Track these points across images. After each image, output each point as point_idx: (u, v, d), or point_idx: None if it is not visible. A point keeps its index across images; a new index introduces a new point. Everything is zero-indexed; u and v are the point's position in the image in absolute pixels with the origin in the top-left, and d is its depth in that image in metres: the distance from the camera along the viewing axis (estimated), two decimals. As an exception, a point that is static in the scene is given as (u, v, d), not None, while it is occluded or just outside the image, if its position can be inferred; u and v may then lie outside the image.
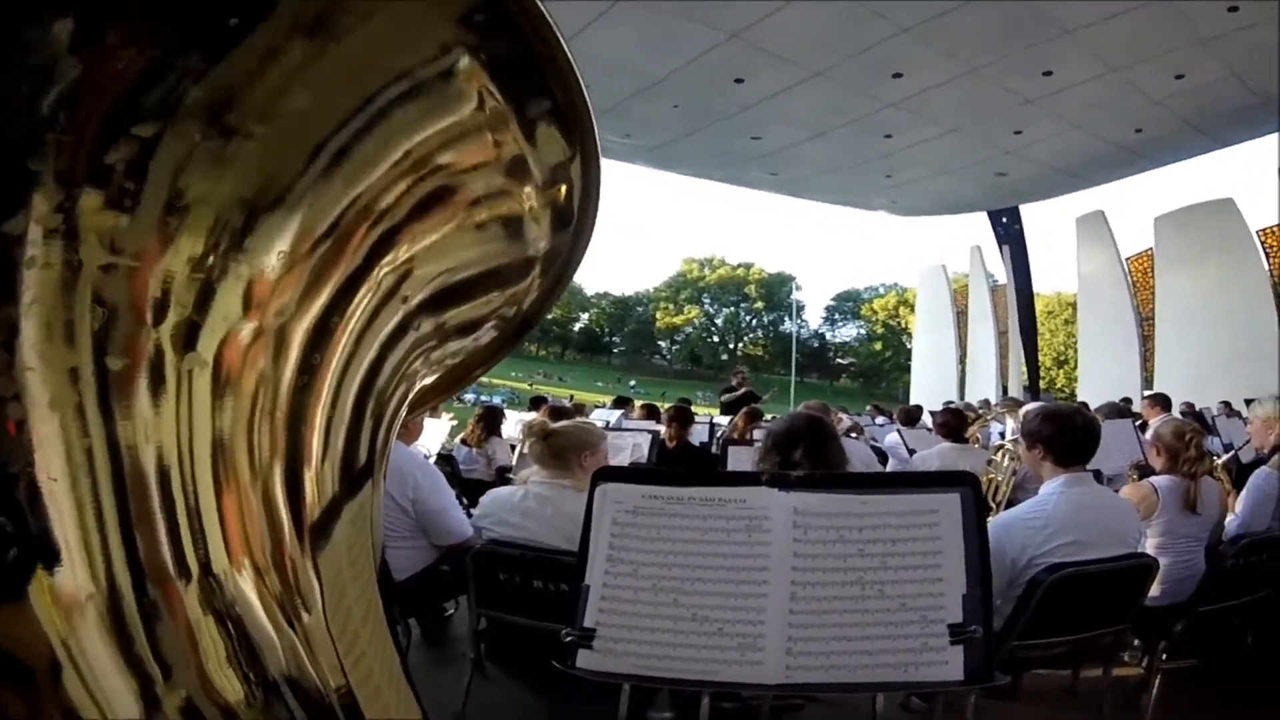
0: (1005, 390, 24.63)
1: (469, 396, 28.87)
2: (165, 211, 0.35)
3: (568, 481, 3.01)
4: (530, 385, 64.52)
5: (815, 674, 1.57)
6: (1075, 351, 30.71)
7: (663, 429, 7.30)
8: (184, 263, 0.35)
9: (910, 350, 40.11)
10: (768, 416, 7.27)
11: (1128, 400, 13.40)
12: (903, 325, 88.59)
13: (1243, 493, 4.03)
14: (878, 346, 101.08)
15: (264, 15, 0.35)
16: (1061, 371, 58.60)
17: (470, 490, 5.36)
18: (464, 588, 3.18)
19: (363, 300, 0.44)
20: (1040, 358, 30.01)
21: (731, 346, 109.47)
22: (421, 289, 0.48)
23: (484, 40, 0.41)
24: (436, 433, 6.67)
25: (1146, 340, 22.43)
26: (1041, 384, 28.22)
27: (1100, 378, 22.38)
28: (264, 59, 0.36)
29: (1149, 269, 22.64)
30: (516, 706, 3.46)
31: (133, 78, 0.33)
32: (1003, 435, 8.85)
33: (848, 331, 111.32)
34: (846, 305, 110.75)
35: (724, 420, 9.82)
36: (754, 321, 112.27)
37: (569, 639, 1.64)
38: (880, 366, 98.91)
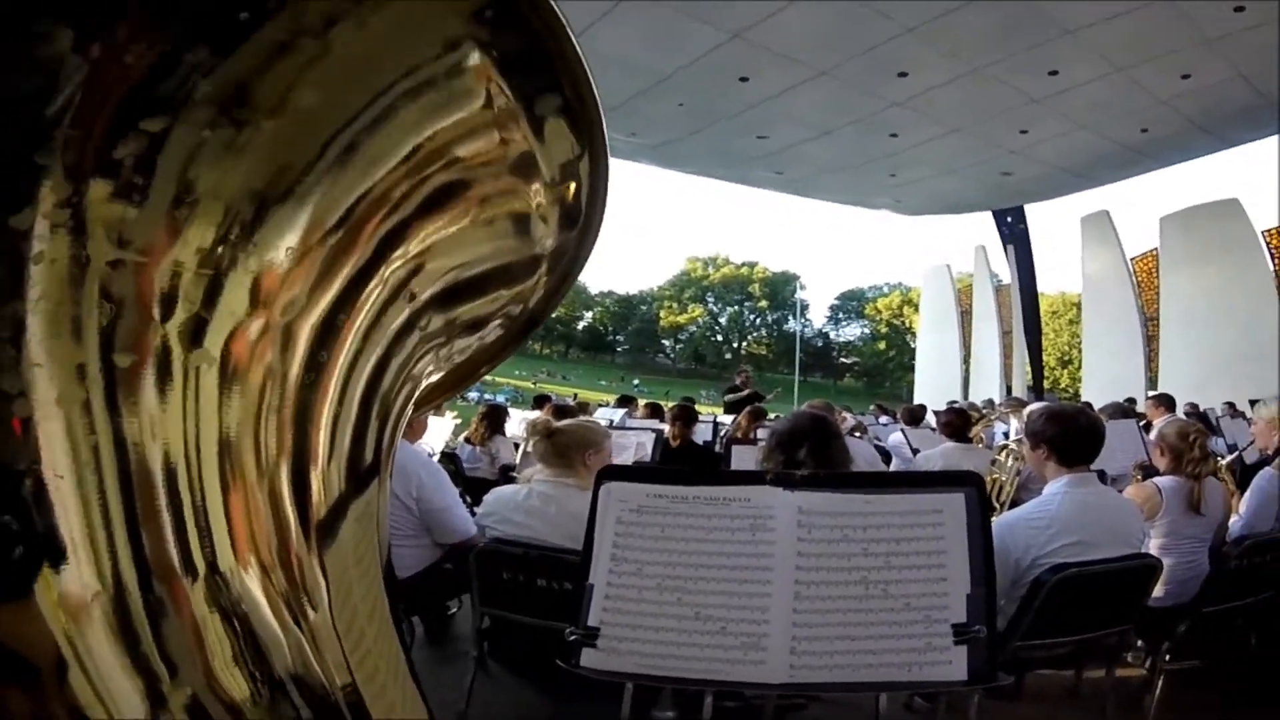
0: (1009, 390, 24.60)
1: (473, 395, 28.93)
2: (174, 205, 0.35)
3: (571, 480, 3.01)
4: (534, 384, 64.62)
5: (819, 673, 1.57)
6: (1079, 351, 30.62)
7: (667, 428, 7.30)
8: (193, 256, 0.35)
9: (914, 350, 40.06)
10: (771, 415, 7.26)
11: (1132, 400, 13.37)
12: (907, 325, 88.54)
13: (1247, 494, 4.02)
14: (882, 346, 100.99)
15: (274, 10, 0.35)
16: (1066, 371, 58.63)
17: (474, 489, 5.36)
18: (467, 586, 3.18)
19: (370, 297, 0.44)
20: (1044, 358, 29.95)
21: (735, 345, 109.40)
22: (429, 286, 0.48)
23: (494, 36, 0.41)
24: (440, 431, 6.68)
25: (1151, 340, 22.38)
26: (1045, 384, 28.21)
27: (1104, 378, 22.33)
28: (273, 53, 0.36)
29: (1154, 269, 22.58)
30: (520, 705, 3.47)
31: (142, 72, 0.33)
32: (1007, 435, 8.85)
33: (852, 331, 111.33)
34: (850, 304, 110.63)
35: (728, 419, 9.81)
36: (758, 320, 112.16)
37: (573, 638, 1.64)
38: (884, 366, 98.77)
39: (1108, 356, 23.06)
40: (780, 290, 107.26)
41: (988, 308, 27.93)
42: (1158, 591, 3.16)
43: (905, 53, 13.61)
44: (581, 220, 0.51)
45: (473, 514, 3.64)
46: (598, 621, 1.65)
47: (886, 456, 7.85)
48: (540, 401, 10.31)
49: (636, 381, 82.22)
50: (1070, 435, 3.07)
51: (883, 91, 15.50)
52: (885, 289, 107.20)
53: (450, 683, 3.33)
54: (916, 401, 16.02)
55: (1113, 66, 13.94)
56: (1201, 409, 12.36)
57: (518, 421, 7.77)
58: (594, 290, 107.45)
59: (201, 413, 0.37)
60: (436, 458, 5.51)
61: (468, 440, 7.07)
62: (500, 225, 0.49)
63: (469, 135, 0.44)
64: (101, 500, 0.33)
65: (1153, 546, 3.41)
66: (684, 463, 6.59)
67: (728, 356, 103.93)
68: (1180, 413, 10.03)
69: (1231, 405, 12.86)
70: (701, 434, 8.12)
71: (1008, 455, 5.26)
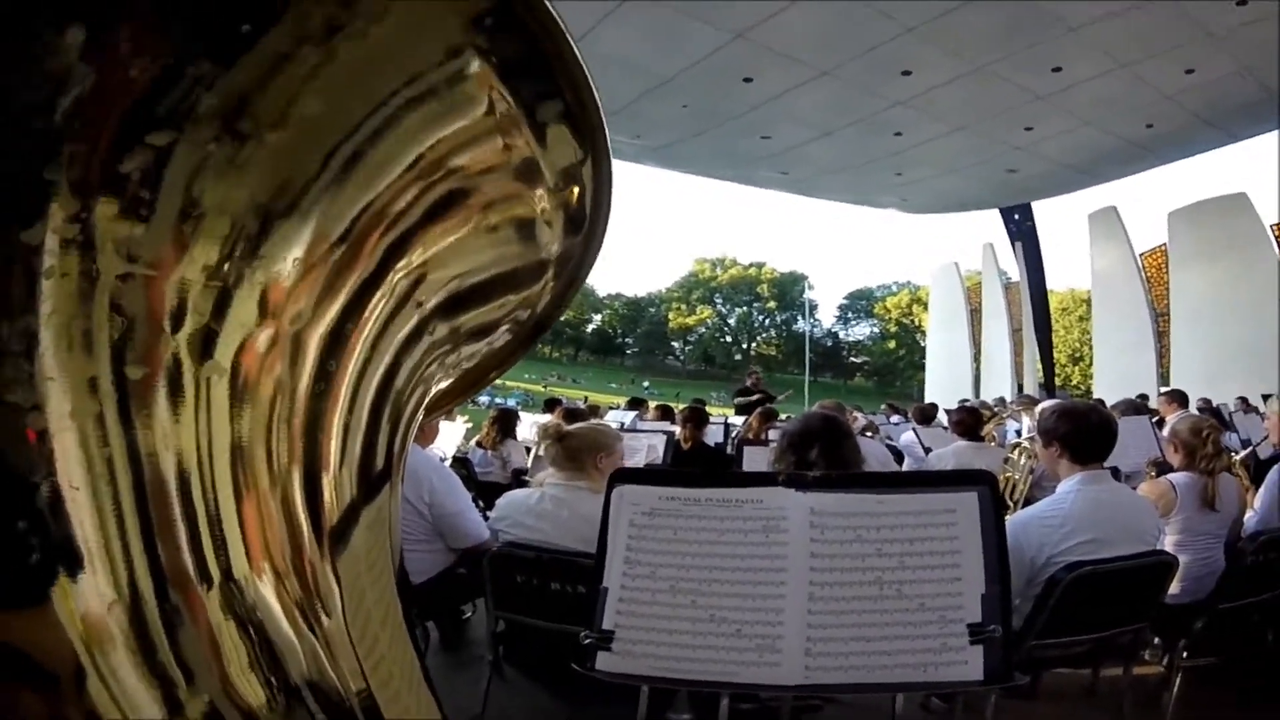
0: (1020, 387, 24.58)
1: (483, 399, 28.93)
2: (181, 219, 0.35)
3: (583, 483, 3.01)
4: (544, 387, 64.69)
5: (834, 674, 1.57)
6: (1090, 348, 30.56)
7: (678, 430, 7.30)
8: (200, 270, 0.36)
9: (924, 348, 40.01)
10: (782, 416, 7.27)
11: (1144, 396, 13.30)
12: (916, 323, 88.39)
13: (1261, 489, 3.99)
14: (891, 345, 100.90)
15: (274, 20, 0.35)
16: (1077, 368, 58.32)
17: (486, 493, 5.38)
18: (481, 590, 3.18)
19: (377, 305, 0.44)
20: (1055, 354, 29.85)
21: (745, 346, 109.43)
22: (436, 293, 0.48)
23: (493, 42, 0.41)
24: (452, 435, 6.71)
25: (1162, 336, 22.30)
26: (1057, 381, 28.08)
27: (1116, 374, 22.27)
28: (275, 64, 0.36)
29: (1163, 264, 22.51)
30: (535, 709, 3.46)
31: (145, 86, 0.33)
32: (1019, 433, 8.84)
33: (861, 330, 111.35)
34: (859, 304, 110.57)
35: (739, 421, 9.81)
36: (767, 321, 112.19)
37: (587, 641, 1.64)
38: (894, 365, 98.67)
39: (1119, 352, 22.98)
40: (789, 290, 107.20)
41: (997, 305, 27.89)
42: (1173, 588, 3.14)
43: (907, 52, 13.61)
44: (586, 224, 0.51)
45: (485, 518, 3.65)
46: (612, 625, 1.65)
47: (899, 456, 7.83)
48: (551, 405, 10.33)
49: (646, 384, 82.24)
50: (1083, 433, 3.05)
51: (886, 91, 15.50)
52: (894, 288, 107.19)
53: (466, 688, 3.34)
54: (928, 400, 16.02)
55: (1116, 62, 13.91)
56: (1214, 404, 12.32)
57: (529, 425, 7.79)
58: (602, 293, 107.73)
59: (213, 423, 0.37)
60: (448, 462, 5.53)
61: (479, 444, 7.08)
62: (505, 232, 0.49)
63: (471, 143, 0.44)
64: (117, 511, 0.34)
65: (1168, 543, 3.39)
66: (695, 465, 6.58)
67: (737, 357, 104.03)
68: (1193, 408, 9.96)
69: (1244, 400, 12.81)
70: (713, 436, 8.11)
71: (1020, 453, 5.26)
